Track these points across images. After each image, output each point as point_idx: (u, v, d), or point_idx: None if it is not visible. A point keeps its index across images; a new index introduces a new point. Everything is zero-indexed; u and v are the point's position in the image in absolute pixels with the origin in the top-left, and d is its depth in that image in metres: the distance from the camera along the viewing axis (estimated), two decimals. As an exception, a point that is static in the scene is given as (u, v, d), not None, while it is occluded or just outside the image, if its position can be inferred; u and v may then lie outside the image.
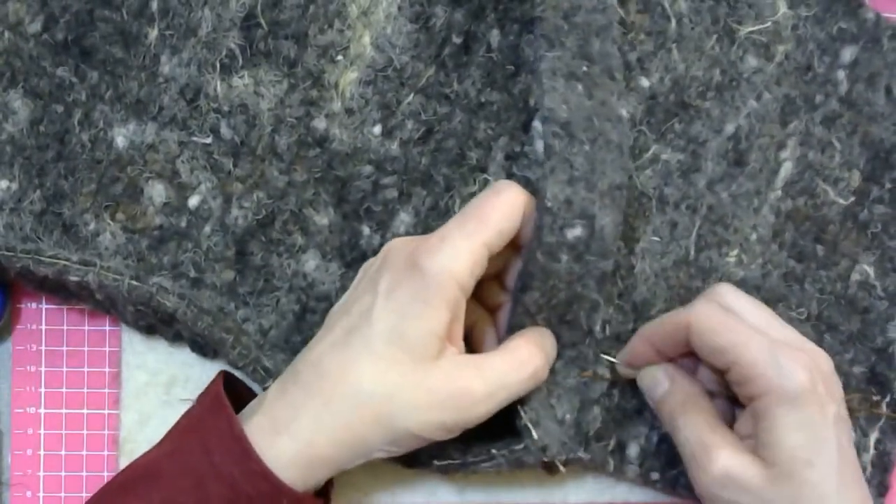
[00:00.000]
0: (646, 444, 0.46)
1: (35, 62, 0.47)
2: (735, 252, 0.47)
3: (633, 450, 0.46)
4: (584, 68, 0.41)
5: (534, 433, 0.43)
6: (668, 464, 0.46)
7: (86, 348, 0.49)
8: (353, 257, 0.46)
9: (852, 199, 0.48)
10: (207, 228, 0.47)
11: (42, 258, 0.45)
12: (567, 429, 0.44)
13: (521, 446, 0.43)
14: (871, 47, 0.48)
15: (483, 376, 0.40)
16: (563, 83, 0.41)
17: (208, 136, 0.46)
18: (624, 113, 0.42)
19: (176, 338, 0.48)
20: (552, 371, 0.44)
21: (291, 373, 0.42)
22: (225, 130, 0.46)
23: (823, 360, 0.41)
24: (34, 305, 0.49)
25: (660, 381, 0.43)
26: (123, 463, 0.47)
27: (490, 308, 0.45)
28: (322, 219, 0.47)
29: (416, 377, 0.39)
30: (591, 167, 0.40)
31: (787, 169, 0.47)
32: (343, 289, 0.46)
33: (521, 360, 0.41)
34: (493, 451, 0.43)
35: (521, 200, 0.41)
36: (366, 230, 0.47)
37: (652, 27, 0.45)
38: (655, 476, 0.47)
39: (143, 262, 0.46)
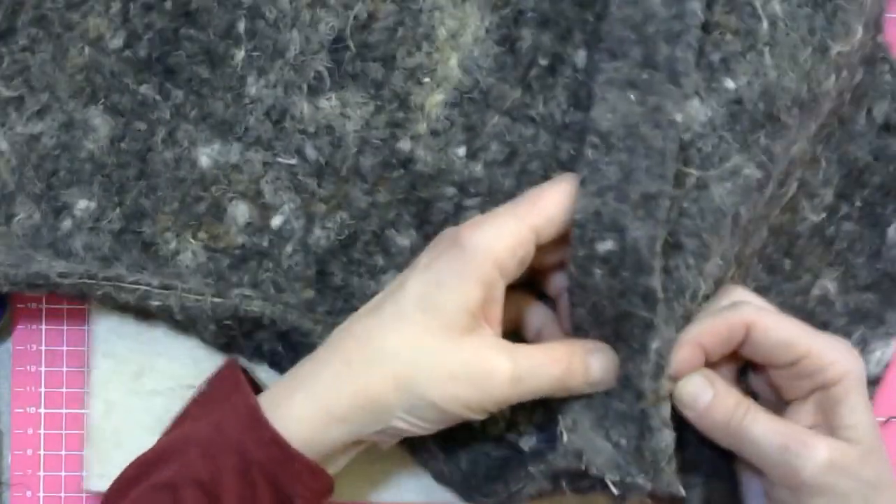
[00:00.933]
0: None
1: (116, 78, 0.47)
2: (731, 271, 0.45)
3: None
4: (645, 76, 0.40)
5: (566, 437, 0.41)
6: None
7: (86, 348, 0.49)
8: (434, 279, 0.46)
9: (823, 215, 0.48)
10: (289, 248, 0.46)
11: (123, 284, 0.45)
12: (623, 453, 0.42)
13: (555, 454, 0.41)
14: (866, 69, 0.48)
15: (512, 359, 0.40)
16: (615, 93, 0.40)
17: (293, 157, 0.46)
18: (678, 118, 0.40)
19: (256, 352, 0.47)
20: (609, 392, 0.42)
21: (325, 342, 0.42)
22: (310, 151, 0.46)
23: None
24: (34, 305, 0.49)
25: (704, 388, 0.42)
26: (90, 452, 0.47)
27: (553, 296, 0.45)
28: (404, 240, 0.47)
29: (442, 346, 0.39)
30: (625, 176, 0.39)
31: (792, 189, 0.47)
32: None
33: (556, 356, 0.41)
34: (531, 469, 0.42)
35: (575, 187, 0.40)
36: (448, 252, 0.47)
37: (739, 26, 0.43)
38: None
39: (223, 281, 0.46)
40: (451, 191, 0.47)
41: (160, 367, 0.48)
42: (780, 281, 0.47)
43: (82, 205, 0.46)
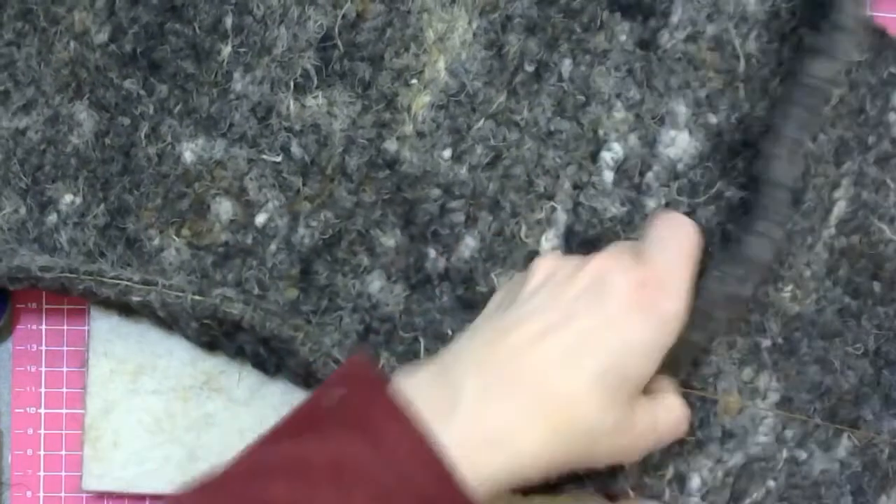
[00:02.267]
0: (710, 476, 0.47)
1: (102, 73, 0.47)
2: (790, 287, 0.47)
3: (694, 482, 0.47)
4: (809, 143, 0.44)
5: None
6: (734, 499, 0.47)
7: (85, 348, 0.49)
8: (417, 279, 0.47)
9: None
10: (273, 246, 0.47)
11: (104, 279, 0.45)
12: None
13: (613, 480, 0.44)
14: None
15: (656, 427, 0.41)
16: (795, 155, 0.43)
17: (278, 155, 0.46)
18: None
19: (238, 353, 0.47)
20: None
21: (490, 371, 0.38)
22: (295, 149, 0.46)
23: None
24: (34, 305, 0.49)
25: None
26: (87, 451, 0.47)
27: None
28: (388, 240, 0.47)
29: (627, 418, 0.39)
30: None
31: (840, 207, 0.48)
32: (407, 310, 0.46)
33: (677, 415, 0.42)
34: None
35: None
36: (431, 253, 0.47)
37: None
38: None
39: (207, 279, 0.46)
40: (436, 192, 0.47)
41: (160, 366, 0.48)
42: (871, 305, 0.48)
43: (67, 199, 0.46)
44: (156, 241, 0.46)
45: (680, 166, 0.46)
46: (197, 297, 0.45)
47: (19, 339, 0.49)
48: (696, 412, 0.46)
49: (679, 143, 0.46)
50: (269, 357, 0.47)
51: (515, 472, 0.37)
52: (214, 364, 0.48)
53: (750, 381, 0.46)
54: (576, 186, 0.47)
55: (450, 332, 0.46)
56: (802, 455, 0.47)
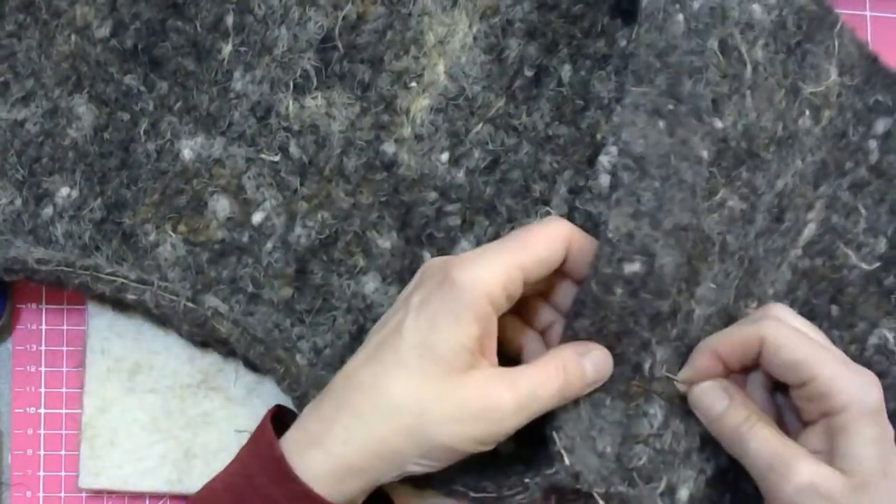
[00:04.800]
0: (694, 487, 0.47)
1: (102, 68, 0.47)
2: (754, 304, 0.47)
3: (683, 493, 0.46)
4: (671, 107, 0.42)
5: (566, 458, 0.42)
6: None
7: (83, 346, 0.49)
8: (412, 281, 0.47)
9: (877, 264, 0.49)
10: (269, 245, 0.47)
11: (100, 275, 0.45)
12: (606, 462, 0.44)
13: (553, 471, 0.43)
14: None
15: (513, 389, 0.40)
16: (644, 118, 0.41)
17: (276, 155, 0.47)
18: (704, 155, 0.42)
19: (230, 354, 0.47)
20: (596, 403, 0.44)
21: (327, 389, 0.42)
22: (294, 149, 0.47)
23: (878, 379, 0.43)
24: (34, 305, 0.49)
25: (720, 397, 0.44)
26: (84, 448, 0.48)
27: (539, 329, 0.45)
28: (384, 242, 0.47)
29: (446, 389, 0.40)
30: (659, 204, 0.41)
31: (810, 230, 0.48)
32: (401, 312, 0.46)
33: (551, 371, 0.41)
34: (527, 480, 0.44)
35: (565, 234, 0.41)
36: (427, 256, 0.47)
37: (727, 70, 0.45)
38: None
39: (202, 275, 0.46)
40: (432, 195, 0.47)
41: (157, 365, 0.48)
42: (827, 328, 0.48)
43: (64, 193, 0.46)
44: (152, 237, 0.46)
45: None
46: (189, 305, 0.45)
47: (19, 339, 0.49)
48: (681, 421, 0.46)
49: None
50: (259, 364, 0.47)
51: (337, 463, 0.40)
52: (211, 363, 0.48)
53: None
54: (572, 191, 0.47)
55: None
56: None
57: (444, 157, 0.47)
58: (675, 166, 0.41)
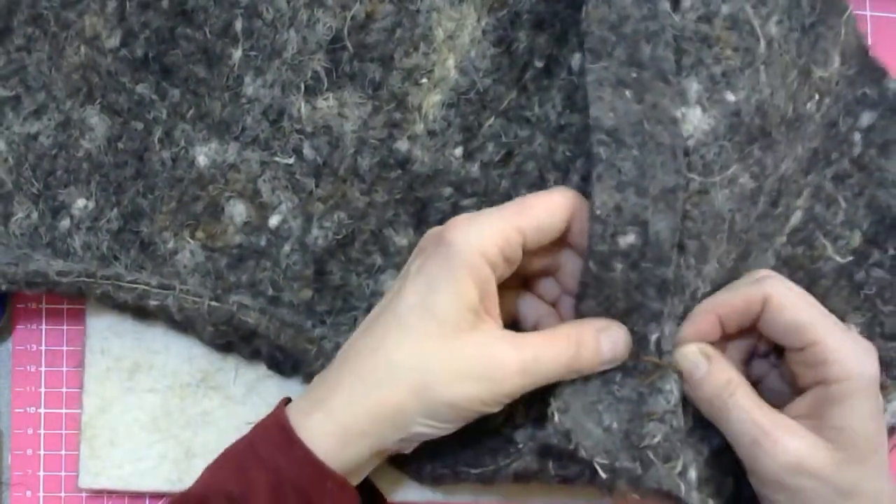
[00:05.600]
0: (696, 467, 0.45)
1: (113, 78, 0.47)
2: None
3: (692, 473, 0.46)
4: (634, 75, 0.41)
5: (556, 417, 0.42)
6: (717, 493, 0.46)
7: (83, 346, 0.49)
8: (431, 278, 0.47)
9: (850, 258, 0.48)
10: (287, 248, 0.47)
11: (122, 283, 0.45)
12: (612, 437, 0.43)
13: (544, 431, 0.42)
14: (888, 116, 0.49)
15: (517, 349, 0.40)
16: (609, 91, 0.41)
17: (291, 157, 0.47)
18: (678, 114, 0.42)
19: (254, 354, 0.47)
20: (607, 379, 0.43)
21: (333, 360, 0.42)
22: (308, 151, 0.47)
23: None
24: (34, 305, 0.50)
25: (700, 361, 0.42)
26: (84, 448, 0.48)
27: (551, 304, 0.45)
28: (401, 239, 0.47)
29: (448, 348, 0.39)
30: (641, 172, 0.40)
31: (797, 217, 0.48)
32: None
33: (560, 342, 0.41)
34: (520, 445, 0.43)
35: (568, 202, 0.41)
36: (444, 251, 0.47)
37: (739, 44, 0.44)
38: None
39: (222, 281, 0.46)
40: (447, 191, 0.47)
41: (156, 364, 0.48)
42: None
43: (80, 204, 0.46)
44: (170, 244, 0.46)
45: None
46: (214, 304, 0.45)
47: (19, 339, 0.49)
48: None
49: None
50: (285, 360, 0.47)
51: (340, 426, 0.40)
52: (211, 362, 0.48)
53: None
54: (584, 179, 0.47)
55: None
56: None
57: (458, 151, 0.47)
58: (649, 131, 0.40)
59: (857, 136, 0.48)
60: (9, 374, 0.49)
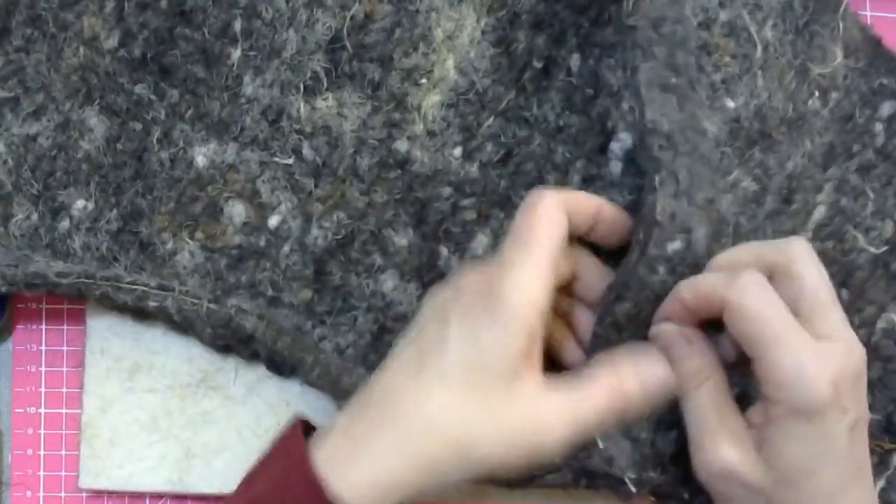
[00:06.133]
0: None
1: (112, 79, 0.47)
2: None
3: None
4: (673, 80, 0.42)
5: (600, 443, 0.43)
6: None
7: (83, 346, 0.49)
8: (431, 278, 0.47)
9: (884, 248, 0.49)
10: (286, 248, 0.47)
11: (121, 285, 0.45)
12: (641, 447, 0.44)
13: (587, 455, 0.43)
14: None
15: (565, 421, 0.39)
16: (658, 94, 0.41)
17: (290, 157, 0.47)
18: (709, 127, 0.42)
19: (253, 356, 0.47)
20: None
21: (363, 399, 0.40)
22: (307, 151, 0.47)
23: (858, 359, 0.39)
24: (34, 305, 0.50)
25: (678, 342, 0.41)
26: (84, 449, 0.48)
27: (561, 316, 0.45)
28: (401, 239, 0.47)
29: (493, 409, 0.39)
30: (691, 180, 0.40)
31: (820, 212, 0.48)
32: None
33: (604, 401, 0.40)
34: (559, 461, 0.44)
35: (560, 206, 0.40)
36: (444, 251, 0.47)
37: (737, 51, 0.45)
38: None
39: (221, 281, 0.46)
40: (447, 191, 0.47)
41: (156, 364, 0.48)
42: None
43: (80, 205, 0.46)
44: (169, 245, 0.46)
45: None
46: (212, 306, 0.45)
47: (19, 339, 0.49)
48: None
49: None
50: (284, 361, 0.47)
51: (379, 479, 0.38)
52: (210, 362, 0.48)
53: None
54: (584, 180, 0.47)
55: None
56: None
57: (457, 151, 0.47)
58: (693, 140, 0.41)
59: (878, 127, 0.49)
60: (9, 374, 0.49)
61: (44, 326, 0.49)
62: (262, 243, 0.47)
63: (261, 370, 0.48)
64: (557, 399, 0.39)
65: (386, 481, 0.39)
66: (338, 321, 0.47)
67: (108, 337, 0.48)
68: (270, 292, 0.46)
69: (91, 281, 0.44)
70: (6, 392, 0.49)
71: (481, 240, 0.47)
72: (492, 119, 0.47)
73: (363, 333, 0.47)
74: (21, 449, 0.49)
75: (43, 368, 0.49)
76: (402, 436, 0.39)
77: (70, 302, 0.49)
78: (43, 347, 0.49)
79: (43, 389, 0.49)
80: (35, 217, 0.46)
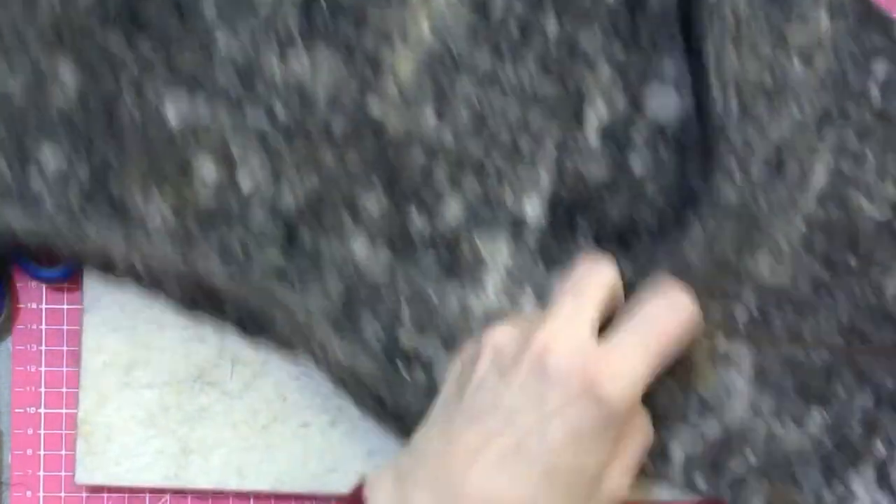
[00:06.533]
0: (692, 449, 0.46)
1: (85, 32, 0.46)
2: (767, 259, 0.47)
3: (677, 455, 0.46)
4: None
5: None
6: (714, 471, 0.46)
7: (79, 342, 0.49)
8: (402, 245, 0.46)
9: (888, 212, 0.48)
10: (258, 211, 0.46)
11: (89, 242, 0.45)
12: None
13: None
14: None
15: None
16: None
17: (262, 117, 0.46)
18: None
19: (222, 315, 0.47)
20: None
21: (438, 487, 0.38)
22: (279, 111, 0.46)
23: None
24: (34, 305, 0.50)
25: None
26: (80, 444, 0.47)
27: None
28: (373, 205, 0.47)
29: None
30: None
31: (820, 179, 0.47)
32: (391, 276, 0.46)
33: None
34: None
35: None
36: (416, 216, 0.47)
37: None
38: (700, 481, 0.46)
39: (191, 242, 0.46)
40: (420, 155, 0.46)
41: (153, 360, 0.48)
42: (846, 279, 0.47)
43: (52, 159, 0.46)
44: (139, 205, 0.46)
45: (667, 124, 0.45)
46: (182, 268, 0.45)
47: (19, 339, 0.49)
48: (675, 382, 0.45)
49: (665, 101, 0.45)
50: (255, 319, 0.47)
51: None
52: (207, 357, 0.48)
53: (724, 351, 0.46)
54: (560, 149, 0.46)
55: (434, 299, 0.46)
56: (778, 428, 0.46)
57: (431, 116, 0.46)
58: None
59: (874, 90, 0.48)
60: (9, 374, 0.49)
61: (44, 326, 0.49)
62: (233, 206, 0.46)
63: (258, 366, 0.48)
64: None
65: None
66: (307, 286, 0.46)
67: (104, 332, 0.48)
68: (241, 256, 0.46)
69: (59, 238, 0.44)
70: (6, 392, 0.49)
71: (453, 207, 0.47)
72: (466, 84, 0.46)
73: (333, 299, 0.46)
74: (21, 449, 0.49)
75: (43, 368, 0.49)
76: None
77: (70, 302, 0.49)
78: (43, 347, 0.49)
79: (43, 389, 0.49)
80: (5, 169, 0.46)
